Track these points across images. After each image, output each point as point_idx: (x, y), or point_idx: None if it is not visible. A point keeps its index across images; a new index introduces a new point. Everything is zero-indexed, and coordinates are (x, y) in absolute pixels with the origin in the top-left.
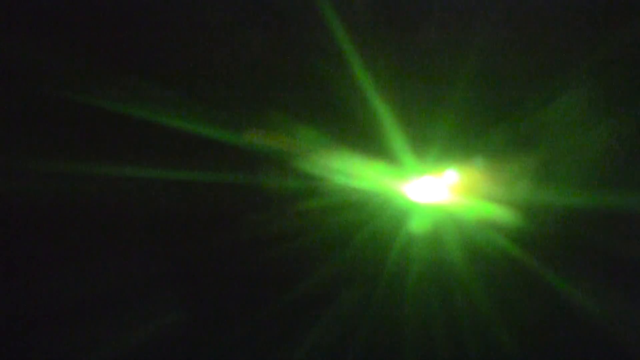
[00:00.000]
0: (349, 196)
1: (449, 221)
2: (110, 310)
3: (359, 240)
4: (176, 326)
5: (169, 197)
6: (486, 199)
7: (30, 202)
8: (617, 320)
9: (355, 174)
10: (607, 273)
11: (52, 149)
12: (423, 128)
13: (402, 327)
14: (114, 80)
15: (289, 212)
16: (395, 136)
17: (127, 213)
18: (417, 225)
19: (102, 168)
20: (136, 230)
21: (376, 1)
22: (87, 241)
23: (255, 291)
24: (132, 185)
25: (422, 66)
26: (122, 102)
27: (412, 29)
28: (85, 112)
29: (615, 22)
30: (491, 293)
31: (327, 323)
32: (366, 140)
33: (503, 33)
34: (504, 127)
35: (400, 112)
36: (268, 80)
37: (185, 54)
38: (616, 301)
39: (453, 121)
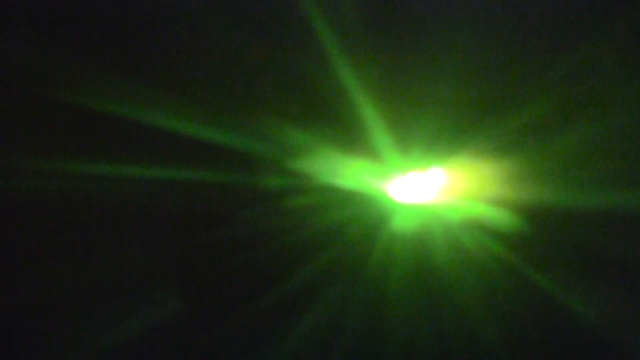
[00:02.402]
0: (333, 195)
1: (434, 220)
2: (103, 307)
3: (342, 239)
4: (165, 324)
5: (157, 197)
6: (471, 198)
7: (29, 201)
8: (608, 322)
9: (339, 172)
10: (596, 274)
11: (52, 149)
12: (408, 126)
13: (386, 327)
14: (110, 82)
15: (273, 210)
16: (380, 134)
17: (119, 212)
18: (401, 224)
19: (100, 168)
20: (126, 228)
21: (360, 1)
22: (85, 239)
23: (238, 289)
24: (125, 184)
25: (406, 64)
26: (118, 104)
27: (396, 28)
28: (87, 114)
29: (605, 18)
30: (477, 293)
31: (311, 322)
32: (350, 138)
33: (488, 30)
34: (490, 125)
35: (385, 110)
36: (252, 79)
37: (175, 55)
38: (606, 302)
39: (438, 119)
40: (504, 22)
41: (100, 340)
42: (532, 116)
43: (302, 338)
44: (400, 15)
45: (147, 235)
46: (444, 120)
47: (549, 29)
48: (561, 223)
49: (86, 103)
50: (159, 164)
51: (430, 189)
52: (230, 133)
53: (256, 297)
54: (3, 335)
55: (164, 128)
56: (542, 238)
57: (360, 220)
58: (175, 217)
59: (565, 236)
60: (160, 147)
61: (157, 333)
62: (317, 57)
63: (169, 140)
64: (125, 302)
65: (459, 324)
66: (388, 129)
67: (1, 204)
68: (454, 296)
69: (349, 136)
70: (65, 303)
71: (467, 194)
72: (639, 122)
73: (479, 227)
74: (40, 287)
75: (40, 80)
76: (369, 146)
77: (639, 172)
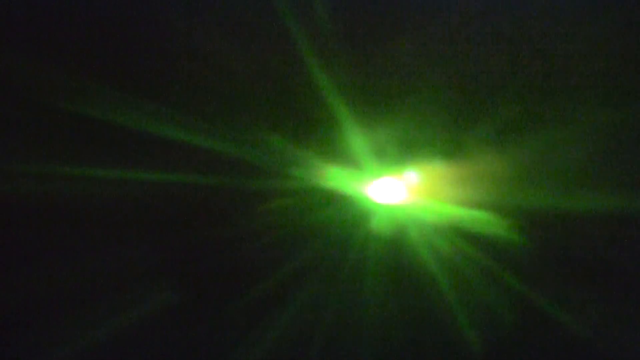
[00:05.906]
0: (310, 198)
1: (410, 223)
2: (97, 304)
3: (319, 241)
4: (155, 319)
5: (149, 199)
6: (446, 201)
7: (29, 203)
8: (584, 324)
9: (316, 175)
10: (569, 275)
11: (55, 153)
12: (384, 130)
13: (361, 328)
14: (108, 93)
15: (255, 211)
16: (357, 138)
17: (116, 213)
18: (378, 226)
19: (102, 172)
20: (123, 228)
21: (337, 6)
22: (85, 240)
23: (222, 286)
24: (121, 187)
25: (382, 68)
26: (115, 112)
27: (372, 33)
28: (93, 124)
29: (588, 20)
30: (451, 295)
31: (287, 323)
32: (326, 141)
33: (462, 34)
34: (466, 128)
35: (362, 115)
36: (231, 84)
37: (166, 65)
38: (578, 302)
39: (414, 122)
40: (478, 28)
41: (94, 336)
42: (506, 120)
43: (281, 333)
44: (377, 23)
45: (142, 234)
46: (419, 124)
47: (522, 34)
48: (534, 225)
49: (90, 113)
50: (152, 168)
51: (406, 190)
52: (215, 138)
53: (238, 294)
54: (3, 334)
55: (156, 134)
56: (516, 239)
57: (339, 220)
58: (166, 217)
59: (538, 238)
60: (152, 152)
61: (149, 328)
62: (295, 63)
63: (160, 146)
64: (117, 299)
65: (432, 322)
66: (365, 133)
67: (1, 205)
68: (428, 294)
69: (328, 141)
70: (63, 302)
71: (441, 196)
72: (619, 123)
73: (453, 228)
74: (40, 287)
75: (42, 88)
76: (347, 150)
77: (616, 175)
